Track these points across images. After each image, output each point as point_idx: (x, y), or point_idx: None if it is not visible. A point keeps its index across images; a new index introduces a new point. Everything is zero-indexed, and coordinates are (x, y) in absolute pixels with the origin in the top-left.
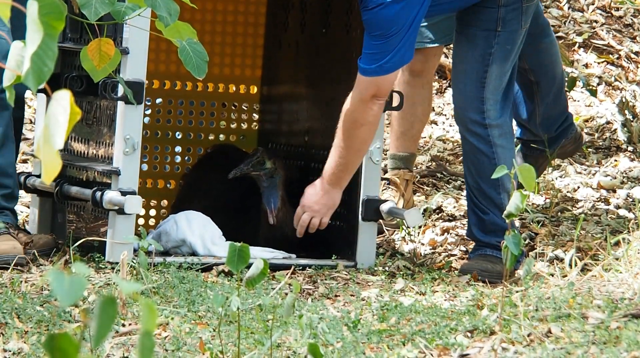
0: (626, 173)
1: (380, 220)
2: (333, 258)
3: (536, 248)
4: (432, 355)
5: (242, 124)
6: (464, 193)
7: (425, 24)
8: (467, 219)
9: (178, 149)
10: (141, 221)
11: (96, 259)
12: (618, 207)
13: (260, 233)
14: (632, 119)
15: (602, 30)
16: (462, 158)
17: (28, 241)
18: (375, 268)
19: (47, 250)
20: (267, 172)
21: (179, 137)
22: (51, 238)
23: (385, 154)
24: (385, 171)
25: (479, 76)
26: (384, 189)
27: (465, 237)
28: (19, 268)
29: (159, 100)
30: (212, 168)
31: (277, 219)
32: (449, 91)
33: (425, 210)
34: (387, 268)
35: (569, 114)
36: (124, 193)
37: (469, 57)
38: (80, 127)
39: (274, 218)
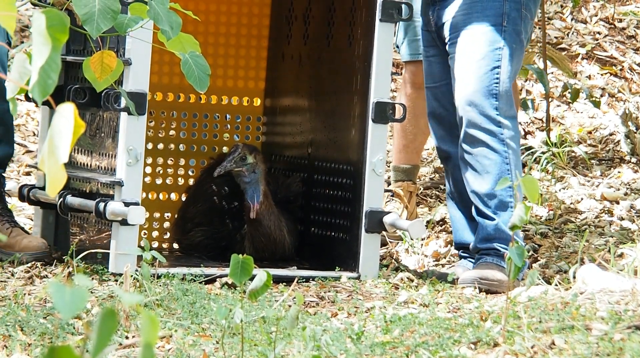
0: (629, 185)
1: (384, 232)
2: (336, 269)
3: (540, 260)
4: None
5: (245, 137)
6: None
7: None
8: None
9: (181, 161)
10: (144, 234)
11: (100, 271)
12: (621, 218)
13: (245, 231)
14: (635, 131)
15: (605, 42)
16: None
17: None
18: (379, 280)
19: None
20: (249, 167)
21: (182, 149)
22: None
23: (389, 167)
24: (389, 183)
25: (491, 72)
26: (388, 201)
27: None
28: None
29: (162, 112)
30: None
31: (258, 213)
32: None
33: (428, 222)
34: (390, 280)
35: None
36: (127, 204)
37: (481, 52)
38: (83, 138)
39: (254, 212)
